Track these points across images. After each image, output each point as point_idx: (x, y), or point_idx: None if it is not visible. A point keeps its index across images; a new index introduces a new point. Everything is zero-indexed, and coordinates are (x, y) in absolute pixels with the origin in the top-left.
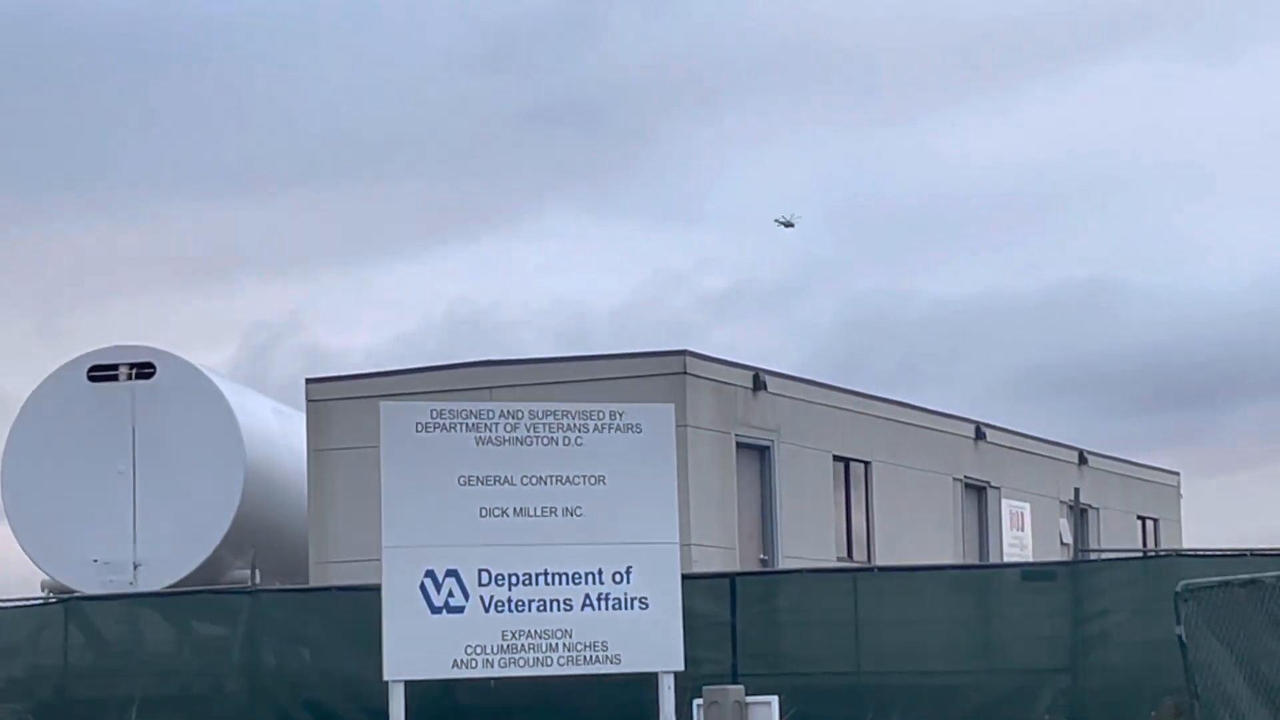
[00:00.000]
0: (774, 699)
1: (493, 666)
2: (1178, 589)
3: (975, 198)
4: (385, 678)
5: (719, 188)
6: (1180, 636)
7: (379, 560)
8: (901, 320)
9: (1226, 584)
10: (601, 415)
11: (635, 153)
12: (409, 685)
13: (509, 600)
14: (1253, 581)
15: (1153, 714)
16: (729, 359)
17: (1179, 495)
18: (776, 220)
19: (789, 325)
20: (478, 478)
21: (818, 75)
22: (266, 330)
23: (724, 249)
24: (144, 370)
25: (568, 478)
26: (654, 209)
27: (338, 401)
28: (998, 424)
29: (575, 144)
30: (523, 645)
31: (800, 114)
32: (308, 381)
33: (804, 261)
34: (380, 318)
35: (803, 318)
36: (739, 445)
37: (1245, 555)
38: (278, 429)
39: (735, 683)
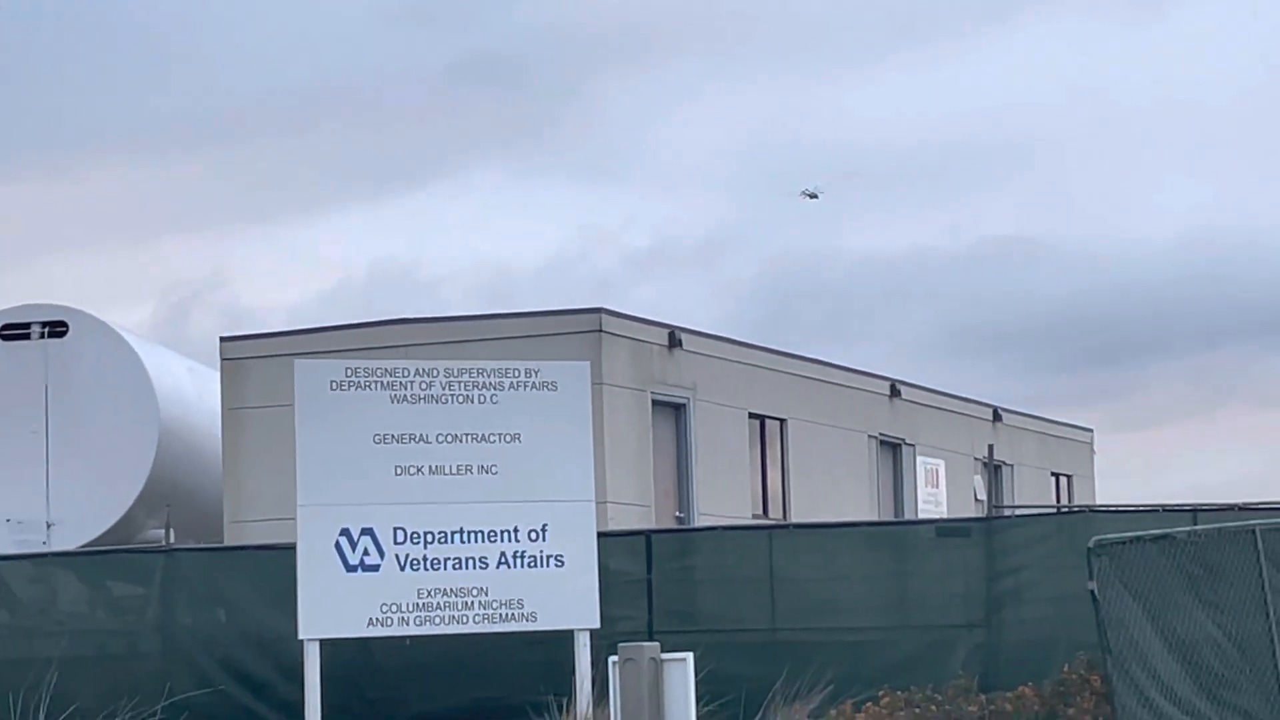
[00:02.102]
0: (689, 655)
1: (408, 625)
2: (1090, 545)
3: (899, 155)
4: (300, 636)
5: (645, 145)
6: (1093, 591)
7: (294, 519)
8: (825, 277)
9: (1138, 539)
10: (517, 373)
11: (561, 109)
12: (324, 644)
13: (424, 558)
14: (1164, 537)
15: (1065, 668)
16: (645, 316)
17: (1092, 452)
18: (803, 192)
19: (713, 282)
20: (392, 436)
21: (743, 32)
22: (186, 288)
23: (649, 206)
24: (56, 329)
25: (483, 435)
26: (579, 166)
27: (252, 360)
28: (913, 381)
29: (500, 100)
30: (438, 604)
31: (726, 71)
32: (222, 340)
33: (728, 219)
34: (302, 275)
35: (727, 275)
36: (655, 403)
37: (1157, 511)
38: (193, 388)
39: (651, 640)
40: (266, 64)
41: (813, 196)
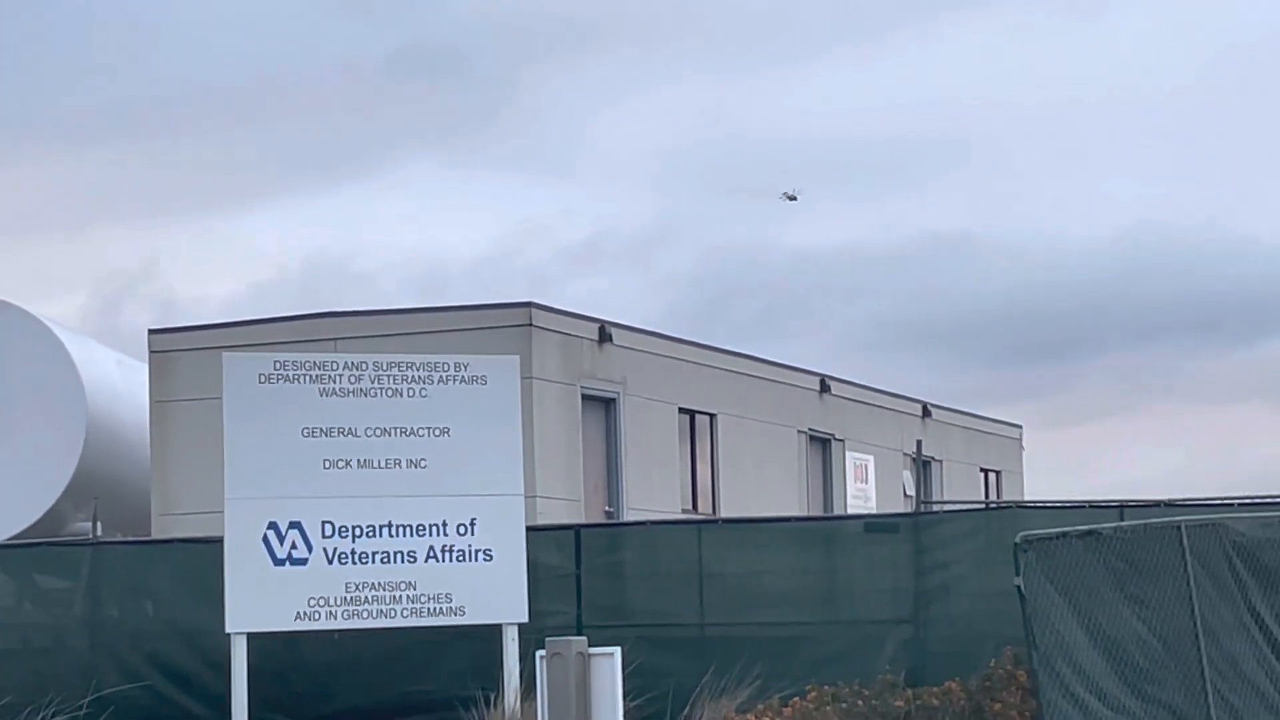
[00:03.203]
0: (617, 650)
1: (336, 619)
2: (1017, 540)
3: (838, 150)
4: (228, 630)
5: (582, 139)
6: (1019, 587)
7: (222, 512)
8: (760, 272)
9: (1065, 535)
10: (446, 367)
11: (498, 102)
12: (252, 638)
13: (352, 552)
14: (1091, 533)
15: (992, 663)
16: (576, 311)
17: (1021, 448)
18: (782, 194)
19: (648, 277)
20: (321, 429)
21: (681, 27)
22: (119, 280)
23: (585, 200)
24: None
25: (412, 429)
26: (516, 159)
27: (181, 353)
28: (844, 377)
29: (437, 92)
30: (366, 597)
31: (663, 65)
32: (151, 332)
33: (665, 213)
34: (236, 267)
35: (662, 270)
36: (584, 397)
37: (1084, 507)
38: (121, 380)
39: (579, 634)
40: (202, 54)
41: (792, 198)
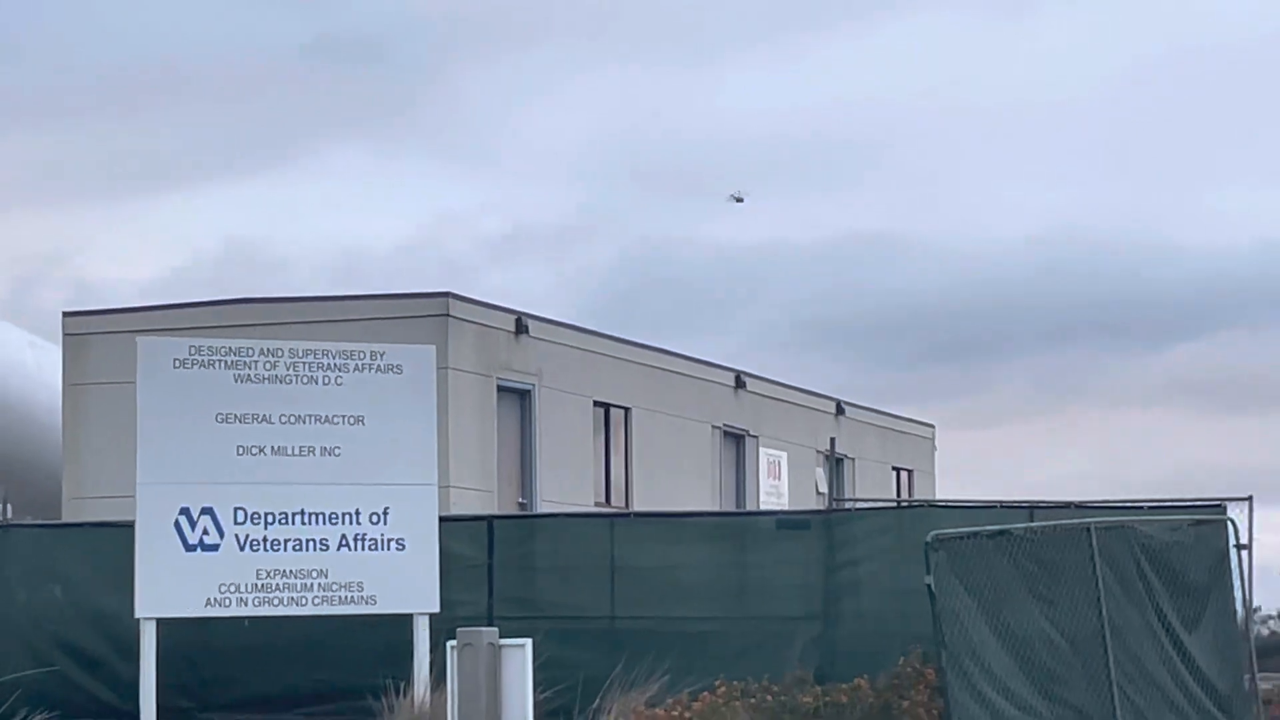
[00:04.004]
0: (528, 642)
1: (247, 605)
2: (928, 539)
3: (763, 147)
4: (137, 615)
5: (504, 130)
6: (929, 585)
7: (134, 497)
8: (680, 267)
9: (976, 535)
10: (362, 355)
11: (421, 92)
12: (162, 623)
13: (264, 539)
14: (1001, 533)
15: (901, 661)
16: (493, 302)
17: (934, 447)
18: (730, 196)
19: (567, 270)
20: (235, 415)
21: (605, 21)
22: (36, 262)
23: (506, 192)
24: None
25: (327, 417)
26: (438, 150)
27: (96, 336)
28: (759, 373)
29: (359, 80)
30: (277, 585)
31: (587, 59)
32: (65, 315)
33: (584, 207)
34: (155, 252)
35: (581, 263)
36: (500, 388)
37: (995, 507)
38: (33, 362)
39: (490, 625)
40: (123, 38)
41: (738, 200)
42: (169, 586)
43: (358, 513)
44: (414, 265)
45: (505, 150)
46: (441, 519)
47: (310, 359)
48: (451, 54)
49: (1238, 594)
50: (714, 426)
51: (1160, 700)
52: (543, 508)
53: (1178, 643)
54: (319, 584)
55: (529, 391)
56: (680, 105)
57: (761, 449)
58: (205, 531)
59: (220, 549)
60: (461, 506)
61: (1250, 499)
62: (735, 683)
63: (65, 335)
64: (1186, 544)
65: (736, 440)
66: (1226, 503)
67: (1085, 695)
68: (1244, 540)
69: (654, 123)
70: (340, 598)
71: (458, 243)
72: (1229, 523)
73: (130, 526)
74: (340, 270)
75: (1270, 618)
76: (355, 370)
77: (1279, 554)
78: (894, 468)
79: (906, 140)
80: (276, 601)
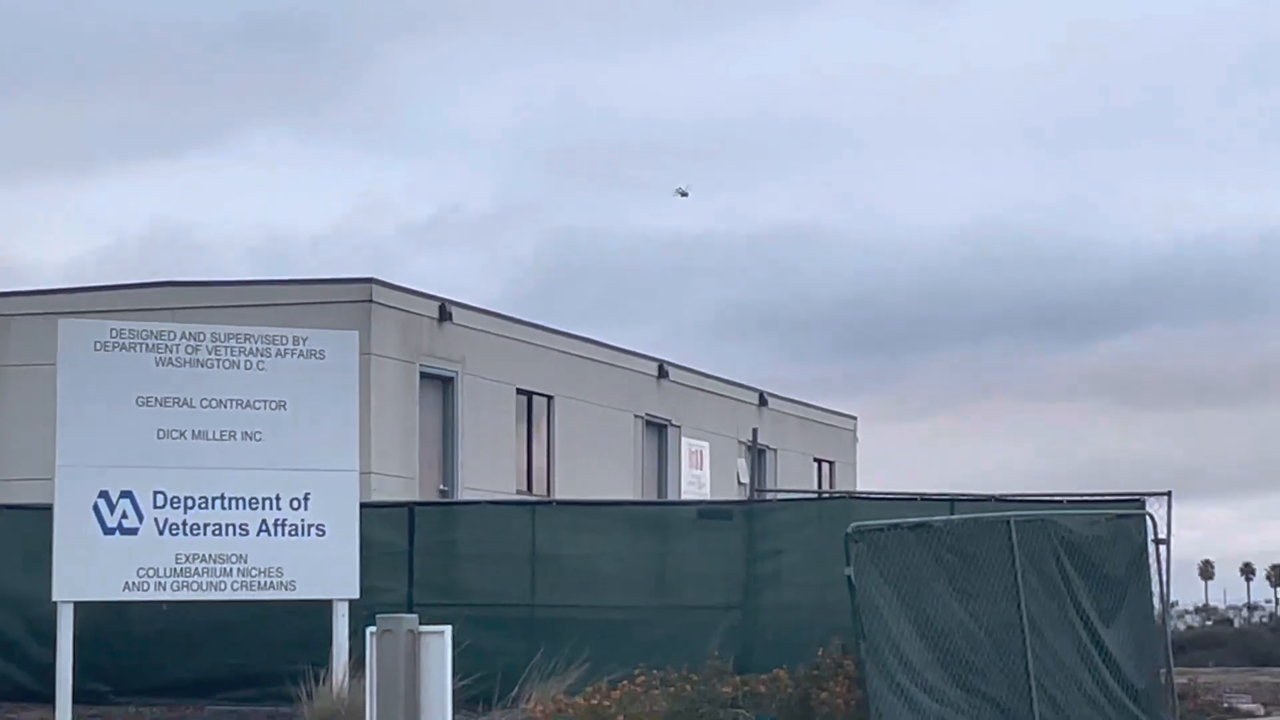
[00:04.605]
0: (447, 629)
1: (165, 590)
2: (848, 530)
3: (692, 138)
4: (55, 598)
5: (432, 117)
6: (849, 577)
7: (54, 479)
8: (606, 256)
9: (896, 527)
10: (284, 340)
11: (350, 76)
12: (79, 607)
13: (184, 524)
14: (921, 525)
15: (820, 652)
16: (417, 288)
17: (855, 439)
18: (676, 190)
19: (493, 257)
20: (156, 399)
21: (536, 8)
22: None
23: (433, 179)
24: None
25: (248, 402)
26: (365, 134)
27: (16, 317)
28: (682, 363)
29: (288, 64)
30: (196, 569)
31: (520, 48)
32: None
33: (512, 194)
34: (80, 233)
35: (507, 250)
36: (423, 375)
37: (916, 499)
38: None
39: (410, 612)
40: (47, 17)
41: (684, 195)
42: (87, 570)
43: (278, 498)
44: (340, 251)
45: (432, 137)
46: (362, 505)
47: (232, 343)
48: (380, 39)
49: (1155, 588)
50: (636, 416)
51: (1077, 693)
52: (464, 495)
53: (1095, 636)
54: (238, 569)
55: (452, 379)
56: (608, 95)
57: (684, 439)
58: (124, 515)
59: (139, 533)
60: (383, 493)
61: (1169, 494)
62: (655, 672)
63: None
64: (1105, 538)
65: (659, 430)
66: (1145, 497)
67: (1002, 687)
68: (1162, 535)
69: (581, 112)
70: (259, 583)
71: (384, 228)
72: (1148, 517)
73: (49, 509)
74: (266, 254)
75: (1187, 612)
76: (277, 355)
77: (1198, 549)
78: (815, 459)
79: (833, 134)
80: (195, 586)
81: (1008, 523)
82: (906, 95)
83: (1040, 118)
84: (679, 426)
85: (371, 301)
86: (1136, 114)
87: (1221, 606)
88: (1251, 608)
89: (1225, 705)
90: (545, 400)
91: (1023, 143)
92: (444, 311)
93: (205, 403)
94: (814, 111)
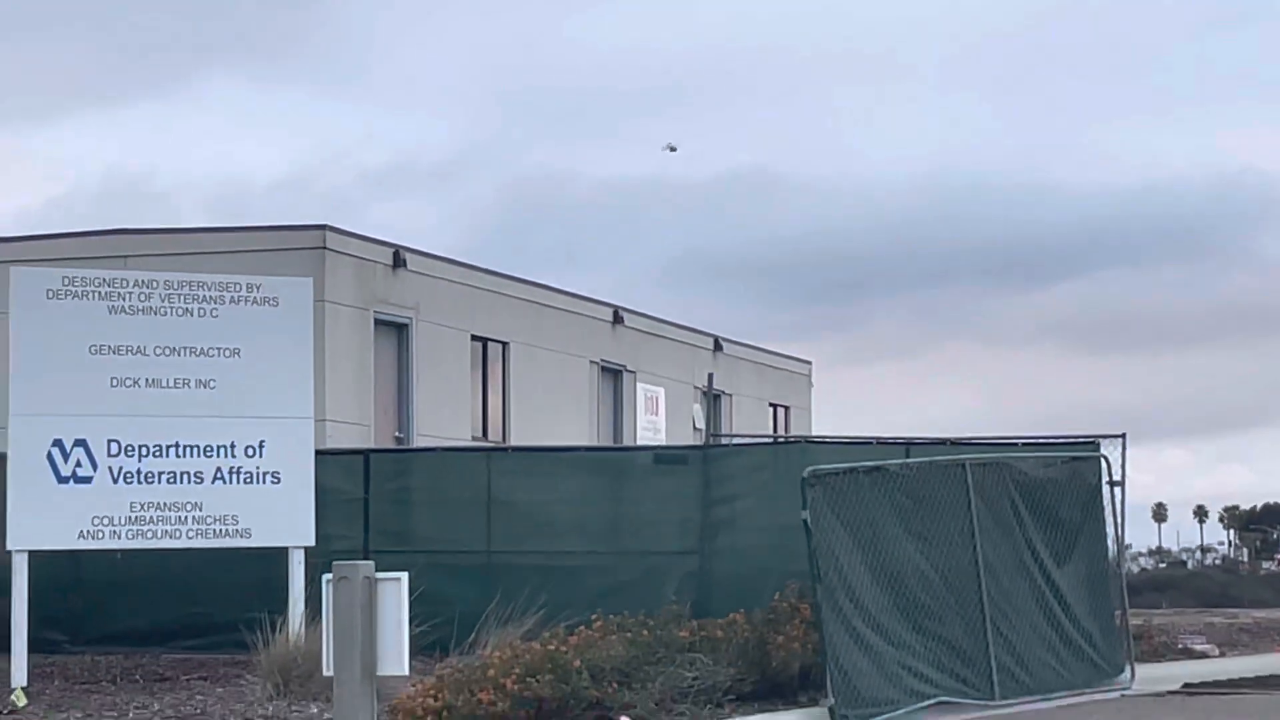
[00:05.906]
0: (403, 576)
1: (120, 538)
2: (804, 474)
3: (648, 82)
4: (9, 547)
5: (389, 62)
6: (805, 521)
7: (6, 429)
8: (562, 202)
9: (852, 470)
10: (238, 287)
11: (303, 21)
12: (33, 556)
13: (138, 472)
14: (877, 469)
15: (776, 596)
16: (371, 235)
17: (810, 384)
18: (665, 146)
19: (449, 204)
20: (109, 347)
21: None
22: None
23: (390, 125)
24: None
25: (202, 349)
26: (321, 81)
27: None
28: (637, 309)
29: (242, 8)
30: (151, 518)
31: None
32: None
33: (469, 140)
34: (30, 180)
35: (463, 197)
36: (377, 322)
37: (871, 443)
38: None
39: (366, 559)
40: None
41: (672, 150)
42: (41, 519)
43: (233, 445)
44: (298, 198)
45: (388, 82)
46: (317, 453)
47: (185, 291)
48: None
49: (1110, 531)
50: (592, 362)
51: (1032, 635)
52: (419, 442)
53: (1050, 579)
54: (193, 517)
55: (406, 325)
56: (563, 39)
57: (639, 384)
58: (78, 464)
59: (93, 481)
60: (338, 440)
61: (1124, 436)
62: (612, 617)
63: None
64: (1060, 480)
65: (614, 375)
66: (1100, 439)
67: (958, 630)
68: (1117, 477)
69: (537, 56)
70: (215, 531)
71: (340, 175)
72: (1102, 459)
73: (2, 458)
74: (220, 202)
75: (1141, 555)
76: (231, 302)
77: (1152, 492)
78: (771, 404)
79: (790, 78)
80: (150, 534)
81: (963, 466)
82: (863, 41)
83: (999, 60)
84: (634, 372)
85: (325, 248)
86: (1096, 58)
87: (1175, 549)
88: (1204, 550)
89: (1180, 646)
90: (500, 346)
91: (982, 88)
92: (398, 258)
93: (159, 350)
94: (768, 58)
